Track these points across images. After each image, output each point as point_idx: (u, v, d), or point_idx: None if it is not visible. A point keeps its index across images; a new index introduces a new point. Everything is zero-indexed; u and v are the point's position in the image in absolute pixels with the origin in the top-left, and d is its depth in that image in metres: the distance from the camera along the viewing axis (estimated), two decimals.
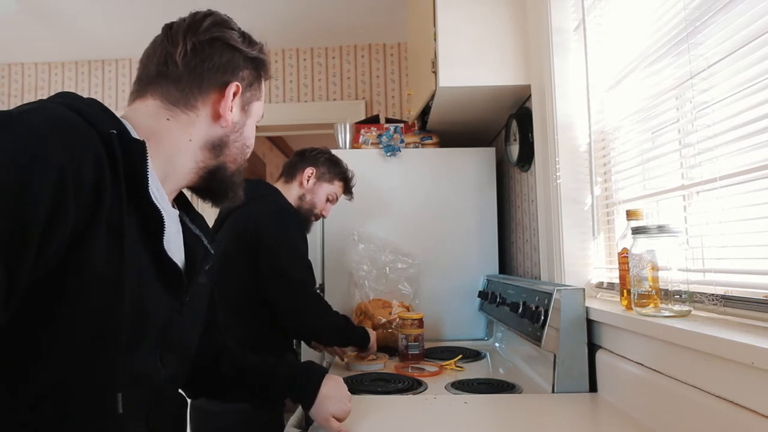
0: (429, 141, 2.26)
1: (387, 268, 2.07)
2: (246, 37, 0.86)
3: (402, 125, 2.26)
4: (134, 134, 0.73)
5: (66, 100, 0.68)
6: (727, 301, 0.94)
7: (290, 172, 1.76)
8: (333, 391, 1.04)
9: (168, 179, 0.80)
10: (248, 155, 0.91)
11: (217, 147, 0.84)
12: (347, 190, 1.83)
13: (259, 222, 1.56)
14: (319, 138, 3.08)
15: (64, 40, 3.20)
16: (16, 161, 0.55)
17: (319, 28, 3.10)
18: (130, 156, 0.68)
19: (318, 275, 2.10)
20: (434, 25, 1.79)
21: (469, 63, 1.76)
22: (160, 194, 0.78)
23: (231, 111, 0.83)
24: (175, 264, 0.76)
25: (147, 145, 0.71)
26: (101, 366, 0.64)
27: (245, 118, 0.87)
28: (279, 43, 3.31)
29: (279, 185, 1.75)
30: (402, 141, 2.19)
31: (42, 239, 0.56)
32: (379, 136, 2.22)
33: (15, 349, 0.60)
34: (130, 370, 0.69)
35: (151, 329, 0.72)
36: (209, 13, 0.83)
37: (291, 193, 1.73)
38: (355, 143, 2.27)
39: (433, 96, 1.88)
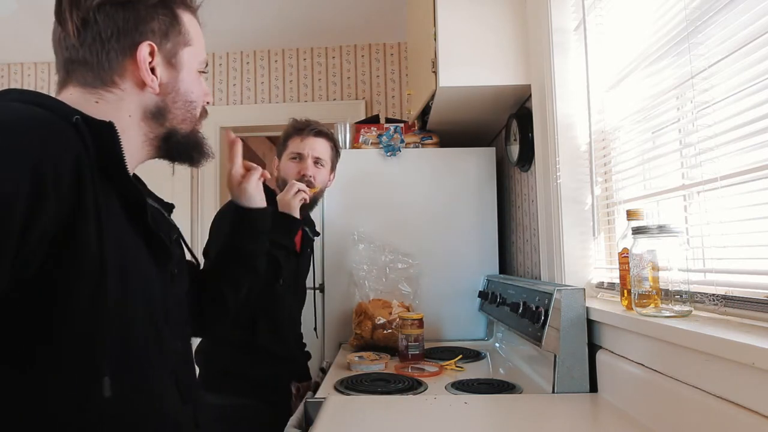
0: (429, 141, 2.26)
1: (387, 268, 2.06)
2: None
3: (402, 125, 2.26)
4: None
5: (22, 97, 0.67)
6: (727, 301, 0.93)
7: None
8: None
9: (128, 160, 0.78)
10: (198, 109, 0.83)
11: (158, 114, 0.77)
12: (295, 132, 1.67)
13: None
14: None
15: None
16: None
17: (319, 28, 3.10)
18: (102, 139, 0.66)
19: (318, 275, 2.10)
20: (434, 25, 1.79)
21: (469, 63, 1.76)
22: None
23: (155, 74, 0.75)
24: (162, 239, 0.75)
25: None
26: (100, 348, 0.64)
27: (176, 72, 0.78)
28: (279, 43, 3.31)
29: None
30: (402, 141, 2.19)
31: (22, 234, 0.56)
32: (379, 136, 2.22)
33: (25, 330, 0.60)
34: (160, 344, 0.72)
35: (155, 305, 0.73)
36: None
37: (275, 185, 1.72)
38: (355, 143, 2.27)
39: (433, 96, 1.88)
